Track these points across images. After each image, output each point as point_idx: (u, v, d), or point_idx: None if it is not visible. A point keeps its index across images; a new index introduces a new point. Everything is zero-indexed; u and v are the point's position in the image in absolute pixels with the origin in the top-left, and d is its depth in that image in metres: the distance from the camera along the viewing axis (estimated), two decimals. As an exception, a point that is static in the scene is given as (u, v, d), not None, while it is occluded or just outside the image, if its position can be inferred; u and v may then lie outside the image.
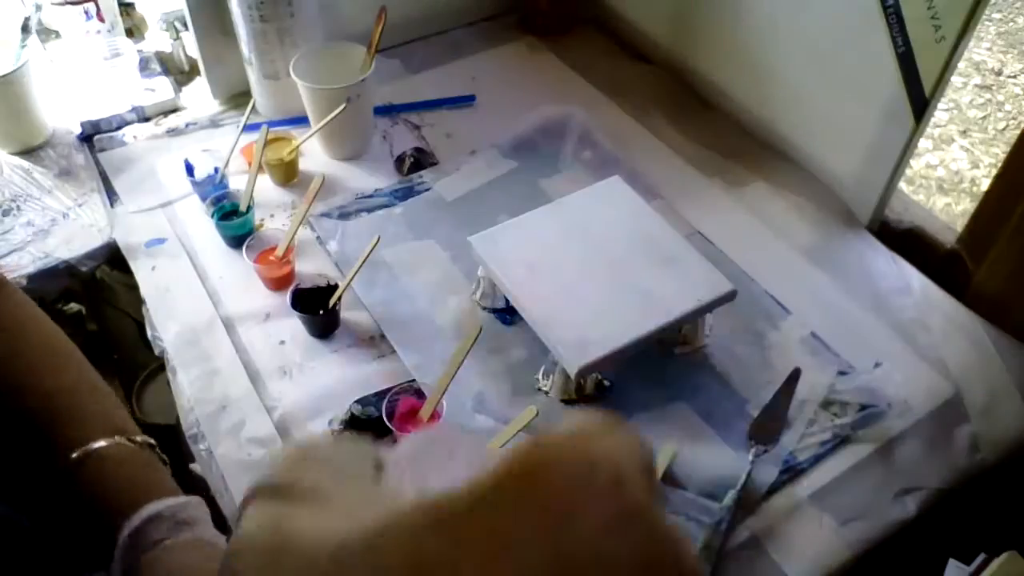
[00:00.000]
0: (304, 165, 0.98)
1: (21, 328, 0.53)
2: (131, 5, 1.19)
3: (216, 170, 0.92)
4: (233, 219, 0.88)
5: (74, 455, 0.47)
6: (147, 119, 1.06)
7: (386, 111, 1.07)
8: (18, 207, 0.93)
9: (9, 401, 0.49)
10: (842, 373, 0.78)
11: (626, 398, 0.76)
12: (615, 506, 0.20)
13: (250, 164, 0.90)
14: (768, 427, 0.73)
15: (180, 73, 1.13)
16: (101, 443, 0.48)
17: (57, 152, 1.00)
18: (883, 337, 0.82)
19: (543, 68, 1.15)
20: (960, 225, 0.89)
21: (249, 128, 0.95)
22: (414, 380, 0.74)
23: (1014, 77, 2.63)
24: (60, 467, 0.47)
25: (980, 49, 2.71)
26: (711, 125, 1.06)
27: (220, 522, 0.70)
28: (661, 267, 0.77)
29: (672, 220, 0.85)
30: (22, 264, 0.87)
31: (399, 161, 1.00)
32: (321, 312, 0.79)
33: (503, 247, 0.79)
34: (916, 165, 2.27)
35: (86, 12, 1.12)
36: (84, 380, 0.52)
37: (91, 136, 1.02)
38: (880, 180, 0.89)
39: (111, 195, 0.95)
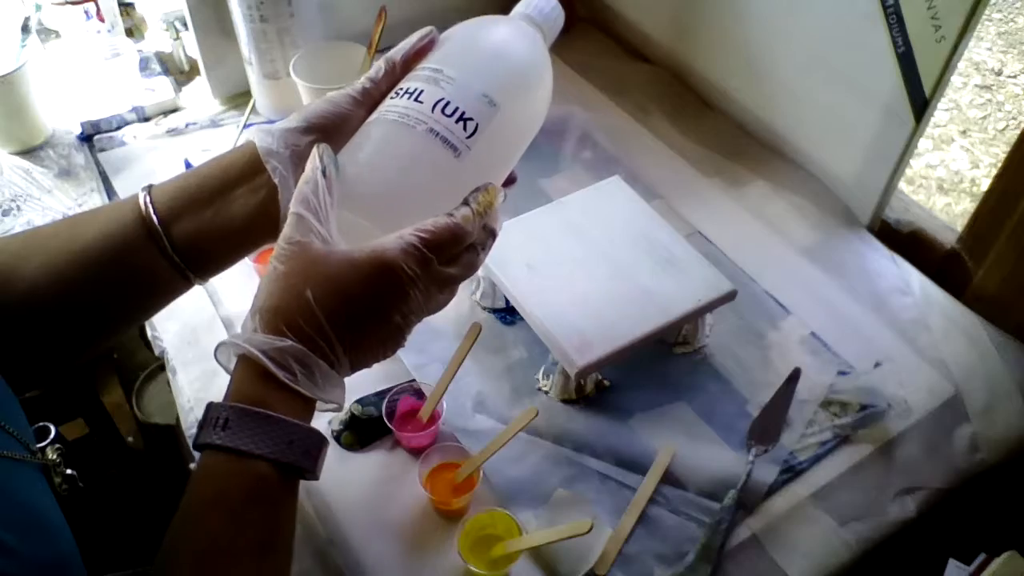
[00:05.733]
0: (304, 165, 0.98)
1: None
2: (131, 5, 1.19)
3: (216, 170, 0.91)
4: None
5: None
6: (147, 119, 1.06)
7: (386, 111, 1.06)
8: (18, 207, 0.93)
9: None
10: (842, 373, 0.78)
11: (626, 398, 0.76)
12: None
13: (250, 164, 0.90)
14: (768, 427, 0.73)
15: (180, 73, 1.13)
16: None
17: (57, 152, 1.00)
18: (883, 337, 0.82)
19: (543, 68, 1.15)
20: (960, 225, 0.89)
21: (249, 128, 0.95)
22: (414, 380, 0.74)
23: (1014, 77, 2.63)
24: None
25: (980, 49, 2.71)
26: (711, 125, 1.06)
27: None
28: (661, 267, 0.77)
29: (672, 220, 0.85)
30: (22, 264, 0.87)
31: (399, 161, 1.00)
32: (321, 312, 0.78)
33: (503, 247, 0.78)
34: (916, 165, 2.27)
35: (86, 12, 1.12)
36: None
37: (91, 136, 1.02)
38: (880, 180, 0.89)
39: (111, 195, 0.95)
